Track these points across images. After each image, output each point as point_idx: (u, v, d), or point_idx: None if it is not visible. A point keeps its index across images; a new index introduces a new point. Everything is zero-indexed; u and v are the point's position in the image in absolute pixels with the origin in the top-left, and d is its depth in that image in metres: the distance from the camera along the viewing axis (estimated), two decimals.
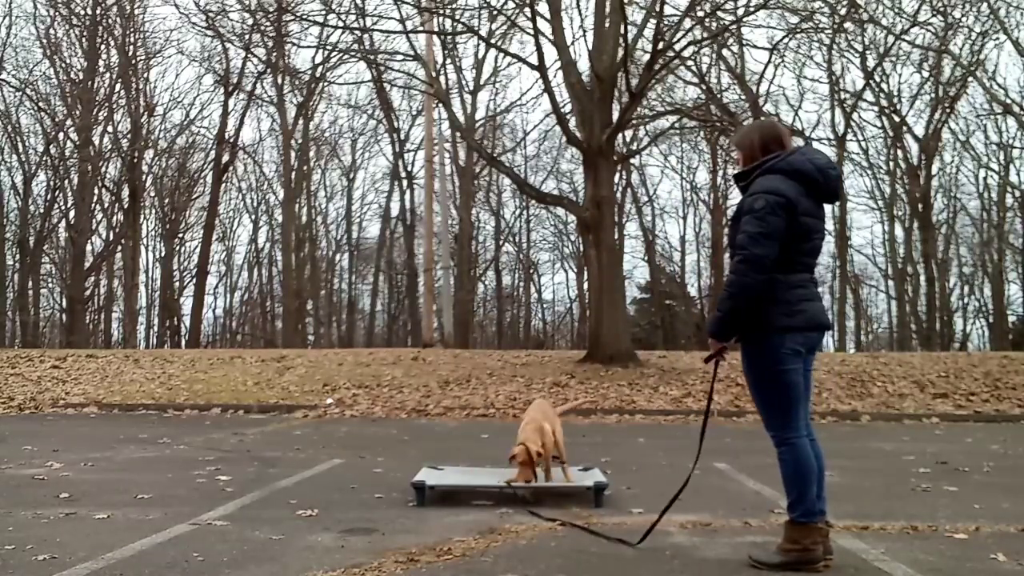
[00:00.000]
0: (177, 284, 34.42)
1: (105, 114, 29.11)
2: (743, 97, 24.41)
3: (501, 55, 26.71)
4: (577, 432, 8.61)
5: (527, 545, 3.77)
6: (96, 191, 29.90)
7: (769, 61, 24.22)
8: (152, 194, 31.94)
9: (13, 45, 28.71)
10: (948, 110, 28.21)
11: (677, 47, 14.62)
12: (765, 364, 3.41)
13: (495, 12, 17.52)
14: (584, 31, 23.06)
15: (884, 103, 28.82)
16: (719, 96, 23.57)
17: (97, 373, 14.49)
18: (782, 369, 3.38)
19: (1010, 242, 30.84)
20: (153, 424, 10.12)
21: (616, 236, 19.28)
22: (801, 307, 3.38)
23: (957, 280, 33.78)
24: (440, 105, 18.86)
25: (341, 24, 17.29)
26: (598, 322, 14.58)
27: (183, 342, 30.95)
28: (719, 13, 14.90)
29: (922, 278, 30.28)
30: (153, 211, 33.31)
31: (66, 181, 29.59)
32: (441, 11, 16.63)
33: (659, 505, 4.43)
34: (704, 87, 23.47)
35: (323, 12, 16.99)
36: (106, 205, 31.37)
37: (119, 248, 30.76)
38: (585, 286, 30.26)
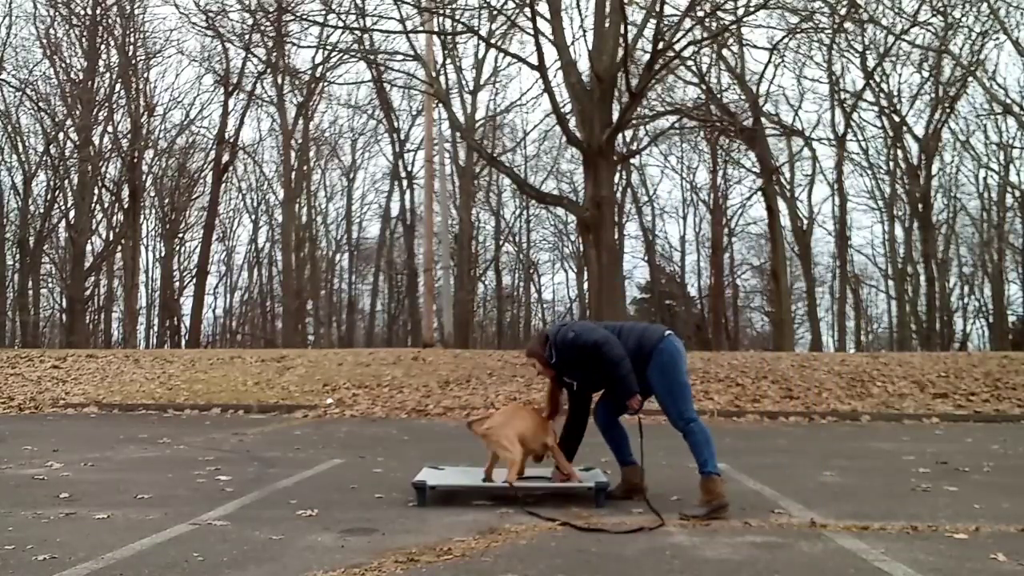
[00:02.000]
0: (177, 284, 34.46)
1: (105, 114, 29.11)
2: (743, 97, 24.42)
3: (501, 55, 26.71)
4: None
5: (527, 545, 3.77)
6: (96, 191, 29.90)
7: (769, 61, 24.25)
8: (152, 194, 31.98)
9: (13, 45, 28.76)
10: (948, 110, 28.20)
11: (677, 47, 14.60)
12: (670, 360, 4.61)
13: (495, 12, 17.50)
14: (584, 31, 23.07)
15: (884, 103, 28.81)
16: (719, 96, 23.60)
17: (97, 373, 14.49)
18: (681, 355, 4.68)
19: (1010, 242, 30.85)
20: (153, 424, 10.12)
21: (616, 236, 19.27)
22: (649, 325, 4.94)
23: (957, 280, 33.84)
24: (440, 105, 18.84)
25: (341, 24, 17.27)
26: (598, 322, 14.56)
27: (183, 342, 30.96)
28: (719, 13, 14.88)
29: (922, 278, 30.28)
30: (153, 211, 33.38)
31: (66, 181, 29.60)
32: (441, 11, 16.62)
33: (660, 505, 4.46)
34: (704, 87, 23.49)
35: (323, 12, 16.98)
36: (106, 205, 31.39)
37: (119, 248, 30.75)
38: (585, 286, 30.27)
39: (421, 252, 25.99)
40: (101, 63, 28.53)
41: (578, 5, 26.46)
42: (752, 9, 14.39)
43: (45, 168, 29.76)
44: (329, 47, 21.24)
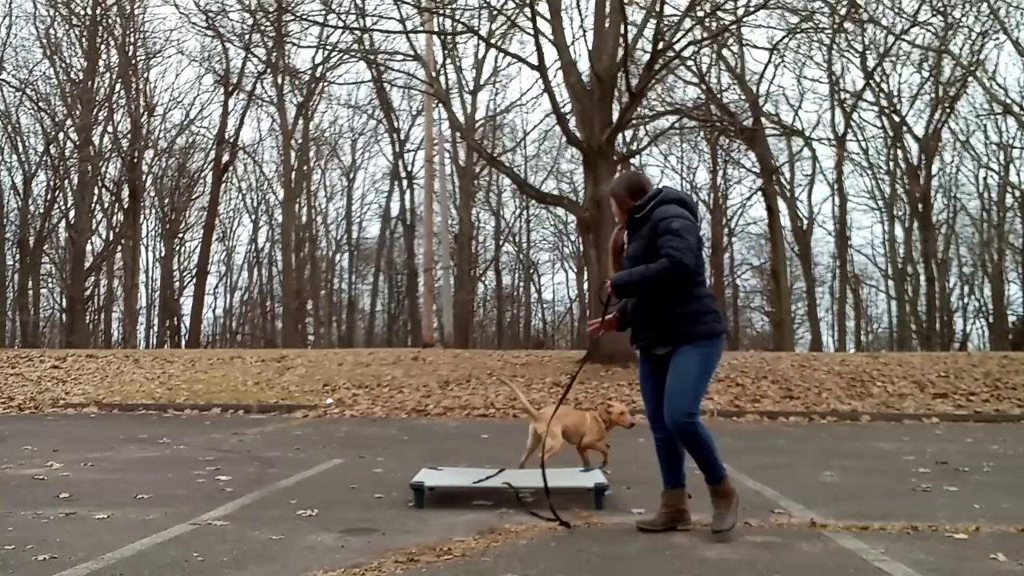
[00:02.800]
0: (177, 284, 34.45)
1: (105, 114, 29.12)
2: (743, 97, 24.43)
3: (501, 55, 26.73)
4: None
5: (527, 545, 3.77)
6: (96, 191, 29.91)
7: (769, 61, 24.27)
8: (152, 194, 31.97)
9: (13, 45, 28.80)
10: (948, 110, 28.20)
11: (677, 47, 14.63)
12: (713, 362, 4.08)
13: (495, 12, 17.53)
14: (584, 31, 23.05)
15: (884, 103, 28.81)
16: (719, 96, 23.60)
17: (97, 373, 14.49)
18: (718, 364, 4.19)
19: (1010, 242, 30.84)
20: (153, 424, 10.12)
21: None
22: (720, 315, 4.13)
23: (957, 280, 33.81)
24: (440, 105, 18.86)
25: (341, 24, 17.32)
26: None
27: (183, 342, 30.95)
28: (719, 13, 14.90)
29: (922, 278, 30.28)
30: (153, 211, 33.37)
31: (66, 181, 29.61)
32: (441, 11, 16.64)
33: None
34: (704, 87, 23.50)
35: (323, 12, 17.02)
36: (106, 205, 31.39)
37: (119, 248, 30.76)
38: (585, 286, 30.27)
39: (421, 252, 25.99)
40: (101, 63, 28.54)
41: (578, 5, 26.49)
42: (752, 9, 14.42)
43: (45, 168, 29.80)
44: (329, 47, 21.28)
